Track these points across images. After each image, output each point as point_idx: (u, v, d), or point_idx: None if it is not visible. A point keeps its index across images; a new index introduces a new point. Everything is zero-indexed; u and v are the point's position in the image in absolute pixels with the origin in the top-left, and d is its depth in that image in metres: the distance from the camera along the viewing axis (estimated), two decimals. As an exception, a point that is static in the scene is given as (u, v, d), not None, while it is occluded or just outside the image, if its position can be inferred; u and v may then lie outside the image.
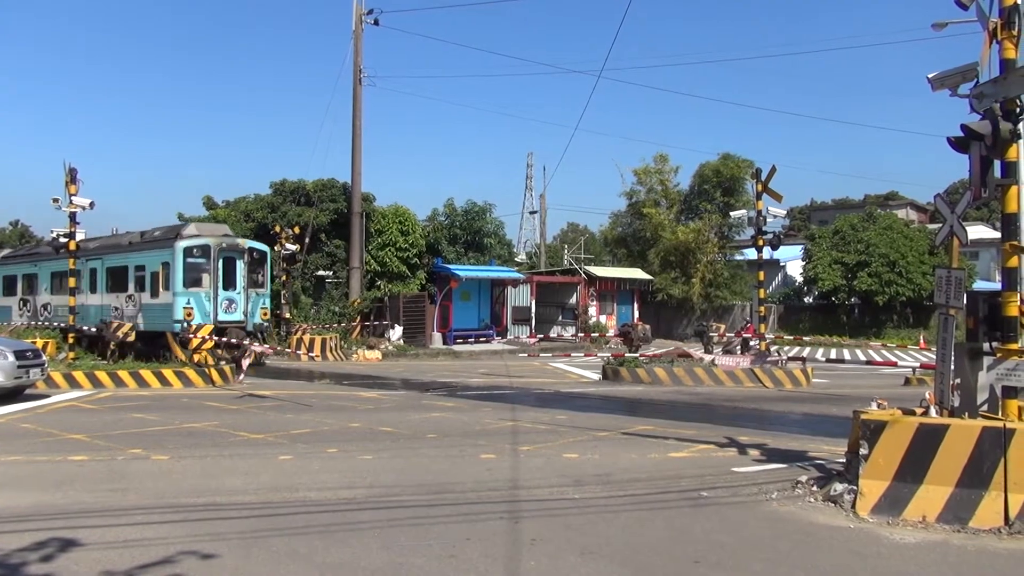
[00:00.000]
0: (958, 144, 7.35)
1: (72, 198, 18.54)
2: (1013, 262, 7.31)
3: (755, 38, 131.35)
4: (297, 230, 29.41)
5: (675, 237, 40.80)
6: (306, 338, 26.35)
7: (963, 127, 7.18)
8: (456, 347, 31.31)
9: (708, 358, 20.47)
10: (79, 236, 19.50)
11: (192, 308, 21.34)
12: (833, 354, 29.68)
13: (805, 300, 44.67)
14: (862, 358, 27.32)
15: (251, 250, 23.10)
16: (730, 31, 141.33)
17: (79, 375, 17.10)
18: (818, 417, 13.59)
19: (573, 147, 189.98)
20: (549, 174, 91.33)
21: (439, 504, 7.28)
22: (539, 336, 32.41)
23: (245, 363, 19.18)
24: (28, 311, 28.05)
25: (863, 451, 7.00)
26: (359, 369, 23.60)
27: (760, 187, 20.10)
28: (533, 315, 36.54)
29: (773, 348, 23.04)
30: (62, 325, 22.22)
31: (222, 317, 21.93)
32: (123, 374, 17.58)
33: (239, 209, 33.18)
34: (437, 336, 32.23)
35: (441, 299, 32.69)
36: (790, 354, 23.47)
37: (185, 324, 20.70)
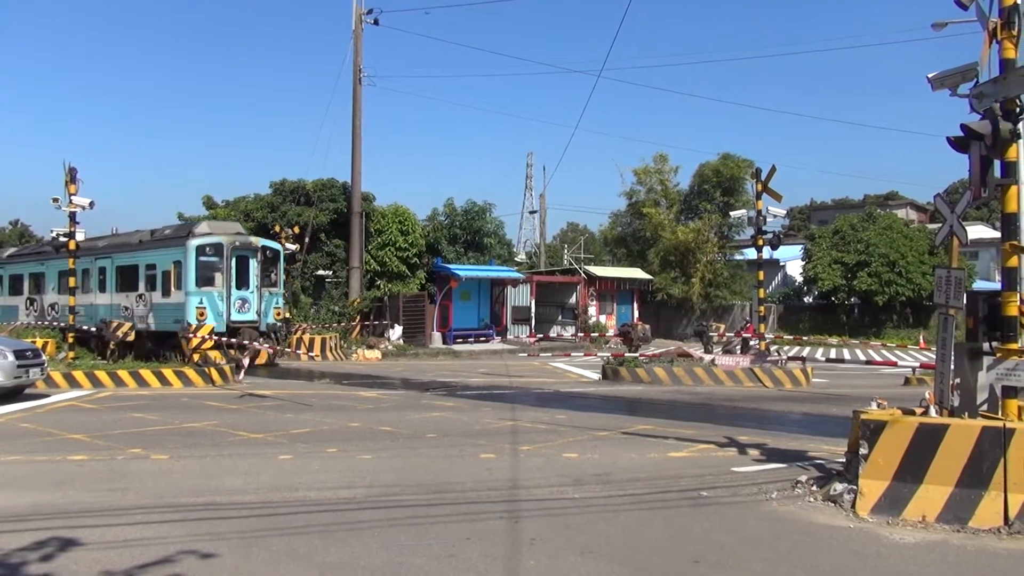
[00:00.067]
0: (958, 144, 7.35)
1: (72, 198, 18.53)
2: (1013, 262, 7.32)
3: (755, 38, 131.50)
4: (297, 230, 29.40)
5: (675, 237, 40.80)
6: (306, 338, 26.32)
7: (963, 127, 7.18)
8: (456, 347, 31.30)
9: (708, 358, 20.47)
10: (79, 236, 19.47)
11: (205, 308, 21.07)
12: (833, 354, 29.68)
13: (805, 300, 44.68)
14: (862, 358, 27.32)
15: (264, 248, 22.85)
16: (730, 31, 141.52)
17: (79, 375, 17.10)
18: (818, 417, 13.59)
19: (573, 147, 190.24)
20: (549, 174, 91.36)
21: (439, 504, 7.28)
22: (539, 336, 32.38)
23: (245, 362, 19.19)
24: (35, 311, 27.67)
25: (863, 451, 7.00)
26: (359, 369, 23.59)
27: (760, 187, 20.11)
28: (533, 315, 36.52)
29: (773, 348, 23.05)
30: (80, 326, 21.89)
31: (235, 317, 21.69)
32: (123, 374, 17.58)
33: (239, 209, 33.16)
34: (437, 336, 32.23)
35: (441, 299, 32.68)
36: (790, 354, 23.48)
37: (198, 324, 20.55)
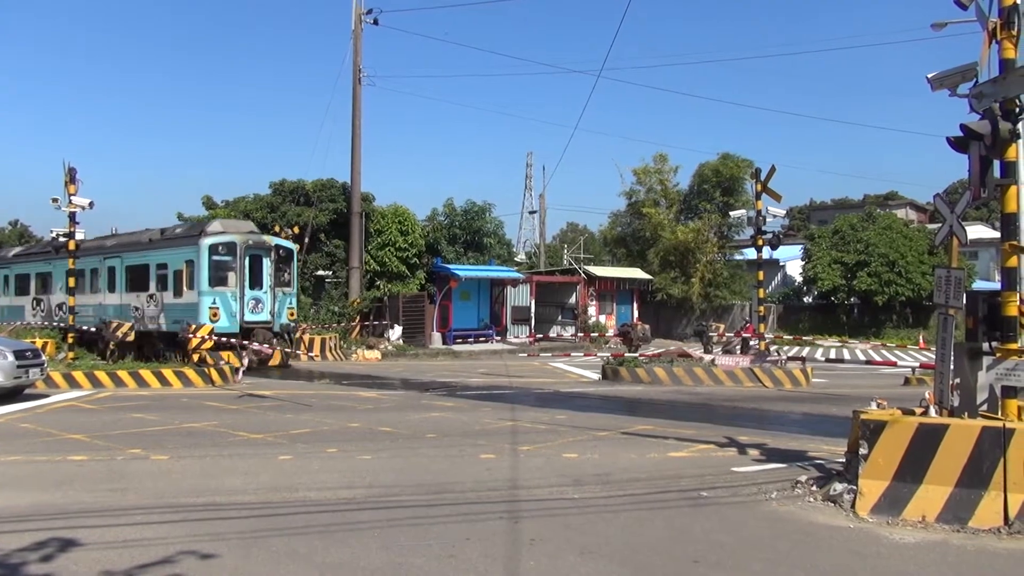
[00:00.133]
0: (957, 144, 7.36)
1: (71, 198, 18.54)
2: (1012, 262, 7.32)
3: (755, 38, 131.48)
4: (296, 230, 29.37)
5: (674, 237, 40.80)
6: (305, 338, 26.30)
7: (962, 127, 7.19)
8: (455, 347, 31.30)
9: (708, 358, 20.47)
10: (80, 236, 19.43)
11: (218, 308, 20.80)
12: (833, 354, 29.67)
13: (804, 300, 44.68)
14: (861, 358, 27.32)
15: (278, 248, 22.60)
16: (730, 31, 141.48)
17: (78, 375, 17.10)
18: (818, 417, 13.59)
19: (573, 147, 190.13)
20: (549, 174, 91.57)
21: (438, 504, 7.28)
22: (539, 336, 32.40)
23: (245, 362, 19.18)
24: (42, 311, 27.24)
25: (863, 451, 7.01)
26: (358, 369, 23.58)
27: (759, 187, 20.10)
28: (533, 315, 36.52)
29: (772, 348, 23.05)
30: (80, 326, 21.71)
31: (249, 317, 21.46)
32: (123, 374, 17.58)
33: (238, 209, 33.15)
34: (436, 336, 32.23)
35: (440, 299, 32.68)
36: (789, 354, 23.48)
37: (207, 323, 20.39)
